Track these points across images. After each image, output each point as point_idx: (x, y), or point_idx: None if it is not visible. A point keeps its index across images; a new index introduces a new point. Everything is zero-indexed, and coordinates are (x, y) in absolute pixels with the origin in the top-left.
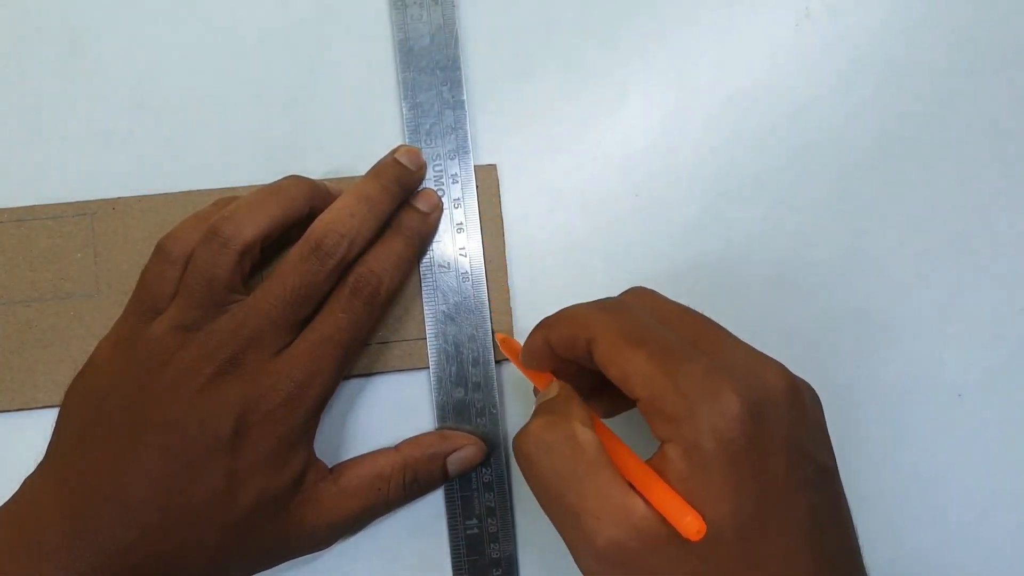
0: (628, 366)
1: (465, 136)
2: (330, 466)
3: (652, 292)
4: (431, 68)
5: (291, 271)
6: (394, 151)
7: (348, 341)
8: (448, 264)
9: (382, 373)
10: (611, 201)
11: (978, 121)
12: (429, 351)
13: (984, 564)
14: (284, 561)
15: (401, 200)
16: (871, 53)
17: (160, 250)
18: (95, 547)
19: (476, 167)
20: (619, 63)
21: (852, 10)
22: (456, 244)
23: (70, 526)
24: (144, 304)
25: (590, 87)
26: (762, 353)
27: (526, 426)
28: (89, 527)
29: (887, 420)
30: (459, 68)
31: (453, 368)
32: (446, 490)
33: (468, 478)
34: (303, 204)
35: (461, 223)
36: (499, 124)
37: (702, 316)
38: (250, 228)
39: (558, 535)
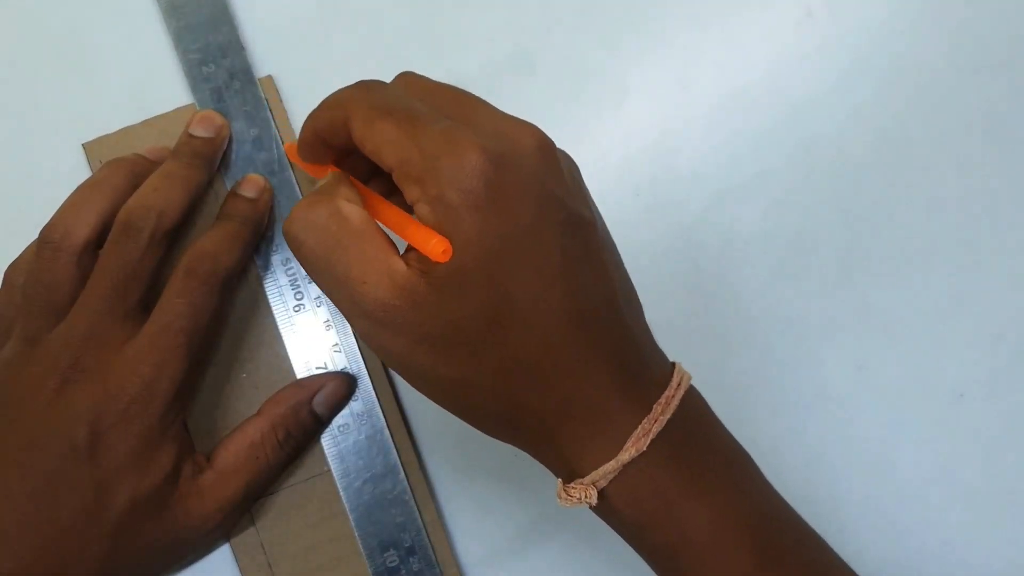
0: (378, 137)
1: None
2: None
3: (416, 74)
4: None
5: (107, 258)
6: (188, 123)
7: (191, 327)
8: (324, 365)
9: None
10: (611, 201)
11: (978, 121)
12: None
13: (984, 564)
14: (188, 560)
15: (208, 170)
16: (872, 53)
17: (4, 278)
18: None
19: None
20: (619, 63)
21: (853, 10)
22: (328, 342)
23: None
24: None
25: (591, 85)
26: (518, 118)
27: (292, 211)
28: None
29: (887, 420)
30: None
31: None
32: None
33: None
34: (127, 187)
35: (328, 320)
36: None
37: (461, 90)
38: (80, 229)
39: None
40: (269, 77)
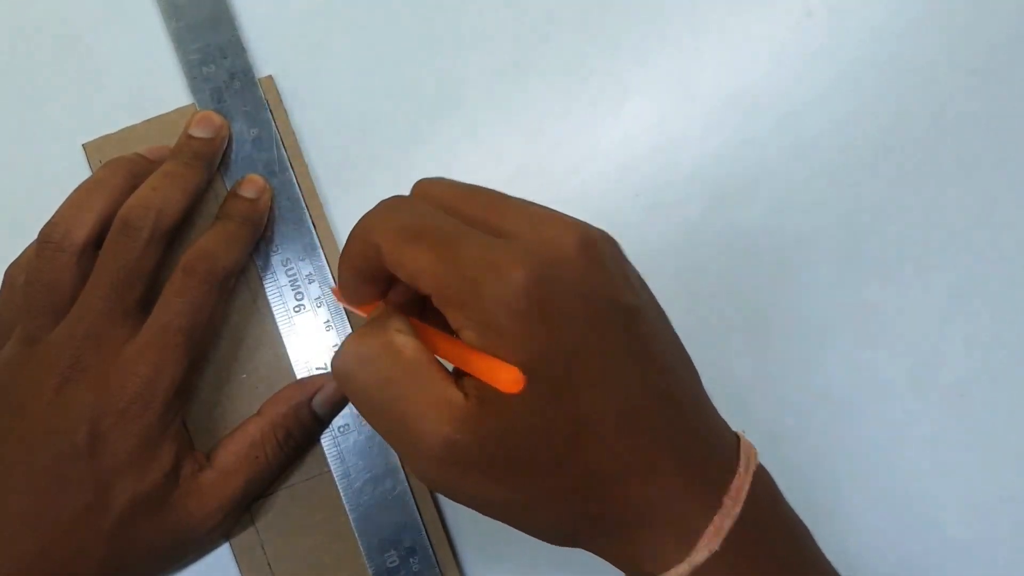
0: (412, 264)
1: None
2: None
3: (439, 181)
4: None
5: (106, 258)
6: (187, 124)
7: (190, 325)
8: (324, 365)
9: None
10: (611, 201)
11: (978, 121)
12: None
13: (984, 564)
14: (188, 559)
15: (208, 170)
16: (872, 53)
17: (4, 278)
18: None
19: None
20: (619, 63)
21: (853, 10)
22: (328, 342)
23: None
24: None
25: (590, 86)
26: (553, 211)
27: (341, 345)
28: None
29: (887, 420)
30: None
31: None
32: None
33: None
34: (126, 186)
35: (328, 320)
36: (498, 121)
37: (487, 191)
38: (79, 229)
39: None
40: (269, 77)
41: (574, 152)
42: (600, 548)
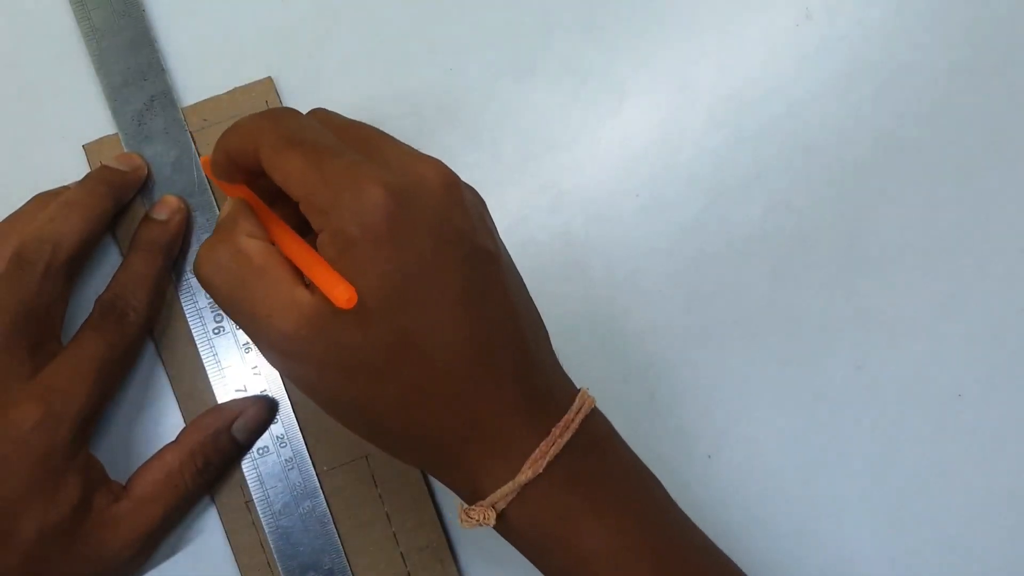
0: (285, 166)
1: None
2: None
3: (329, 111)
4: None
5: (2, 293)
6: (112, 157)
7: (102, 358)
8: (244, 387)
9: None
10: (611, 201)
11: (978, 121)
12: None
13: (984, 564)
14: None
15: (116, 201)
16: (871, 54)
17: None
18: None
19: None
20: (619, 63)
21: (852, 11)
22: (249, 363)
23: None
24: None
25: (590, 86)
26: (425, 156)
27: (198, 251)
28: None
29: (887, 420)
30: None
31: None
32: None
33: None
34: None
35: (247, 343)
36: (498, 121)
37: (372, 128)
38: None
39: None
40: (269, 79)
41: (574, 152)
42: (440, 469)
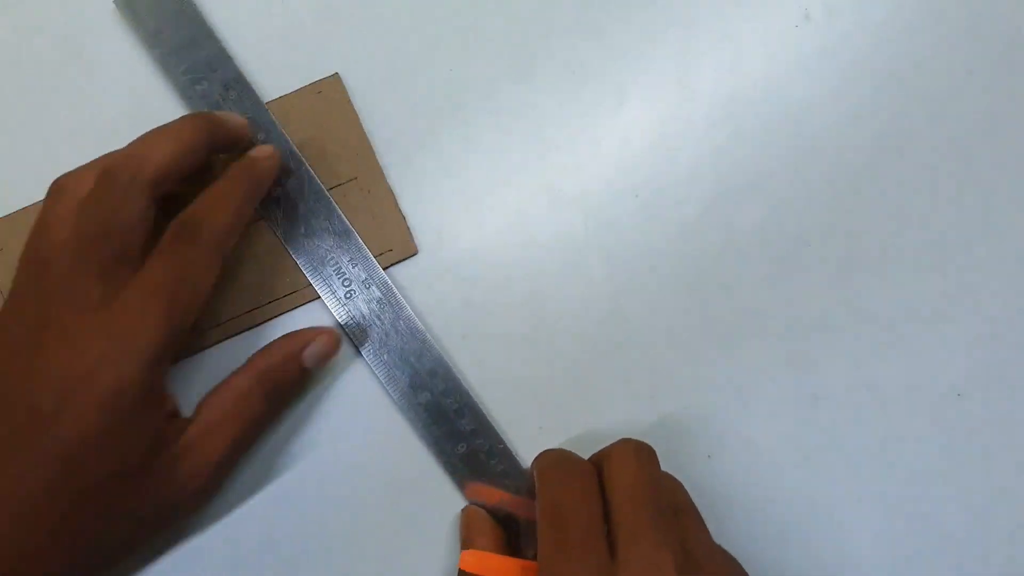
0: (540, 539)
1: None
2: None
3: (639, 454)
4: None
5: (81, 208)
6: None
7: (175, 284)
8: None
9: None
10: (611, 201)
11: (978, 121)
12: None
13: (984, 564)
14: (176, 523)
15: (210, 137)
16: (870, 54)
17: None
18: None
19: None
20: (619, 63)
21: (851, 11)
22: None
23: None
24: None
25: (590, 87)
26: (669, 555)
27: None
28: None
29: (887, 420)
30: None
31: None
32: (425, 439)
33: (443, 413)
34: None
35: (380, 298)
36: (498, 122)
37: (649, 505)
38: (84, 183)
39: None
40: (336, 75)
41: (574, 152)
42: None
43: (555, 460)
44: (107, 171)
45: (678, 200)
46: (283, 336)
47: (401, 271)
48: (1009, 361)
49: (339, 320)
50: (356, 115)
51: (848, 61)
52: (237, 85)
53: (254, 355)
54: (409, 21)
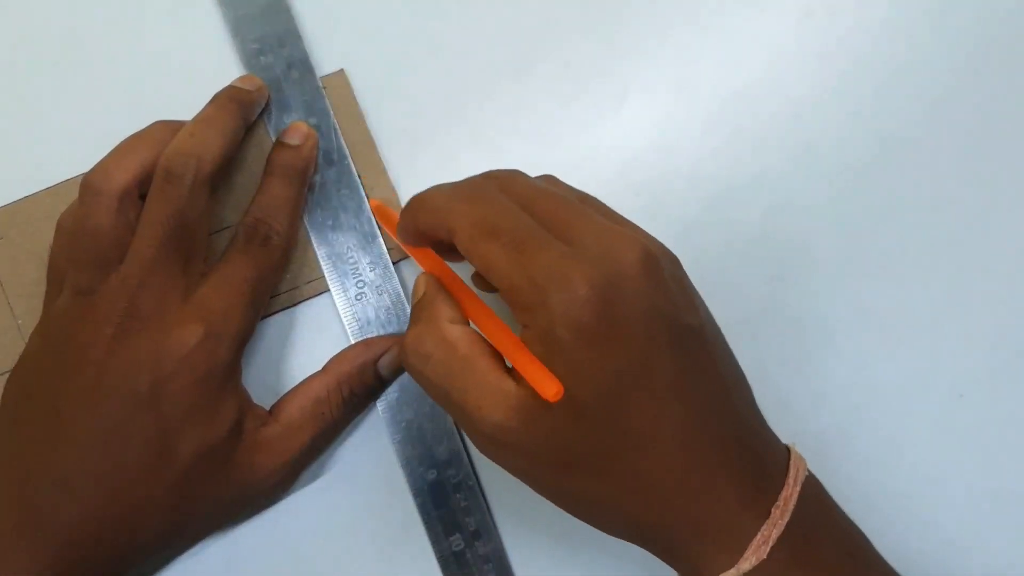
0: (485, 258)
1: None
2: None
3: (514, 173)
4: None
5: (152, 206)
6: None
7: (254, 279)
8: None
9: (284, 310)
10: (611, 201)
11: (978, 121)
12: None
13: (985, 565)
14: (250, 513)
15: (245, 119)
16: (872, 53)
17: (56, 228)
18: (48, 531)
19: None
20: (619, 63)
21: (853, 10)
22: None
23: (18, 518)
24: (52, 284)
25: (591, 86)
26: (617, 227)
27: (403, 339)
28: (37, 513)
29: (887, 420)
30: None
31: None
32: (421, 513)
33: (444, 497)
34: (168, 138)
35: (389, 307)
36: (498, 121)
37: (563, 200)
38: (120, 173)
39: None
40: (341, 71)
41: (574, 152)
42: (661, 553)
43: (447, 193)
44: (169, 171)
45: (678, 200)
46: (359, 343)
47: (400, 271)
48: (1010, 361)
49: (343, 318)
50: (360, 112)
51: (849, 59)
52: (300, 66)
53: (331, 360)
54: (413, 20)
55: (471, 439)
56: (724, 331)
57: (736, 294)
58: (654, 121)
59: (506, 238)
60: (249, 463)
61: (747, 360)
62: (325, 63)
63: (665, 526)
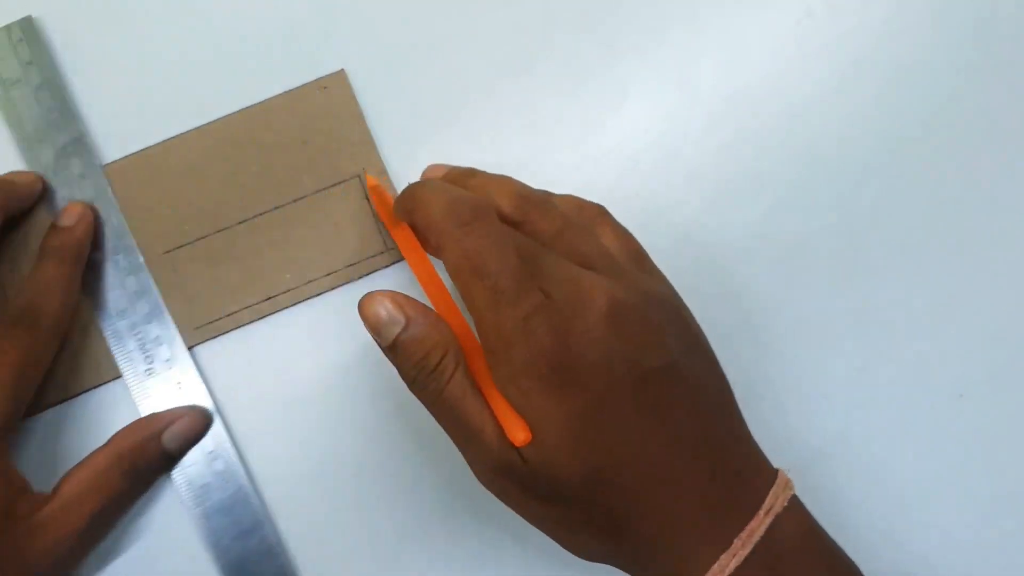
0: (466, 290)
1: None
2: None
3: (508, 188)
4: None
5: None
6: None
7: (17, 366)
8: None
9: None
10: (611, 201)
11: (978, 121)
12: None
13: (985, 565)
14: None
15: (4, 212)
16: (872, 53)
17: None
18: None
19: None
20: (619, 62)
21: (853, 10)
22: (183, 400)
23: None
24: None
25: (591, 85)
26: (586, 275)
27: (412, 389)
28: None
29: (887, 420)
30: None
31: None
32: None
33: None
34: None
35: (180, 382)
36: (498, 120)
37: (535, 246)
38: None
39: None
40: (341, 71)
41: (574, 152)
42: (626, 571)
43: (446, 208)
44: None
45: (678, 200)
46: (145, 416)
47: (401, 270)
48: (1010, 361)
49: (134, 397)
50: (360, 111)
51: (850, 59)
52: (75, 145)
53: (116, 433)
54: (412, 19)
55: (472, 469)
56: (724, 331)
57: (736, 294)
58: (654, 121)
59: (489, 281)
60: (23, 546)
61: (747, 360)
62: (325, 63)
63: (629, 551)
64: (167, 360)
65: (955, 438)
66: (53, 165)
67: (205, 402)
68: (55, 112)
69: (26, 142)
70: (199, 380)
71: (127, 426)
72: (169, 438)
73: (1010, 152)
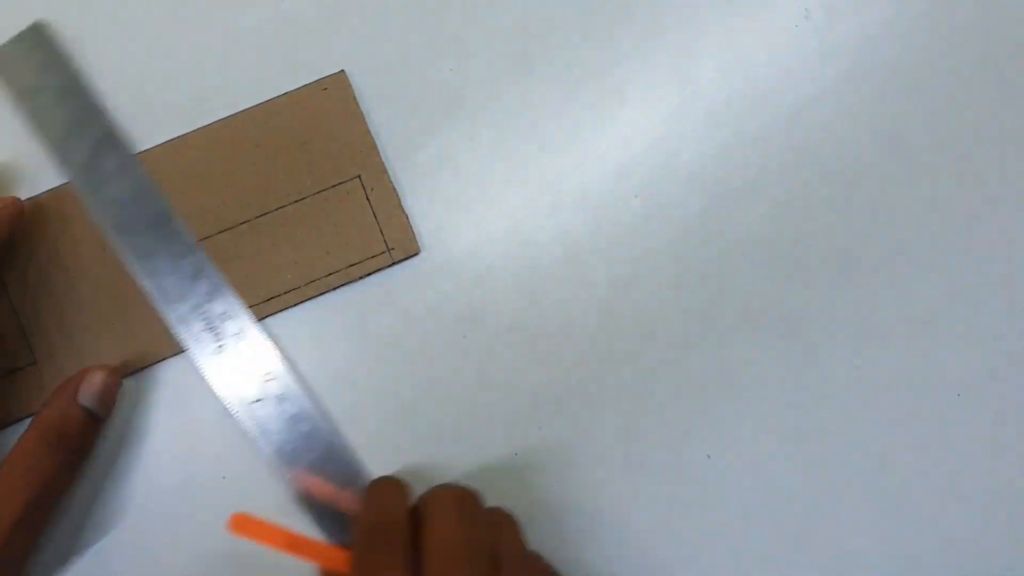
0: None
1: None
2: None
3: (469, 505)
4: None
5: None
6: None
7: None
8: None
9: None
10: (611, 201)
11: (978, 121)
12: None
13: (984, 564)
14: None
15: None
16: (870, 54)
17: None
18: None
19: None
20: (619, 63)
21: (852, 12)
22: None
23: None
24: None
25: (590, 87)
26: None
27: None
28: None
29: (887, 420)
30: None
31: None
32: None
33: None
34: None
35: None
36: (498, 121)
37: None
38: None
39: None
40: (341, 71)
41: (574, 152)
42: None
43: (372, 524)
44: None
45: (678, 201)
46: (56, 386)
47: (401, 270)
48: (1009, 361)
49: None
50: (361, 112)
51: (848, 61)
52: (108, 140)
53: (34, 414)
54: (413, 20)
55: None
56: (724, 331)
57: (736, 294)
58: (654, 122)
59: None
60: None
61: (747, 360)
62: (326, 64)
63: None
64: (236, 334)
65: (954, 438)
66: (87, 163)
67: (279, 369)
68: (80, 111)
69: (57, 144)
70: (272, 347)
71: (42, 403)
72: (85, 397)
73: (1009, 152)
